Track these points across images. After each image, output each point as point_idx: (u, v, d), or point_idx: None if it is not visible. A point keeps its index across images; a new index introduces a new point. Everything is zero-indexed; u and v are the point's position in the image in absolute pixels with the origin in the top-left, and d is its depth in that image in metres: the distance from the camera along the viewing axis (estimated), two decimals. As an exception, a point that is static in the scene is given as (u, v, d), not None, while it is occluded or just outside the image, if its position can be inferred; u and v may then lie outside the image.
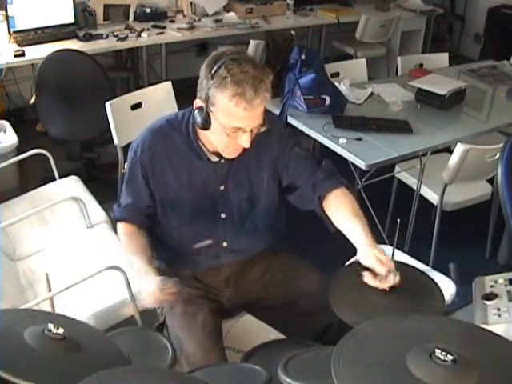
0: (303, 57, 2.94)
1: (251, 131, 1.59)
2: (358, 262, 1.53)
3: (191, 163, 1.72)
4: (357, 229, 1.60)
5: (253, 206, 1.80)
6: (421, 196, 2.94)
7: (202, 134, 1.69)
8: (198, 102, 1.62)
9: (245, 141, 1.60)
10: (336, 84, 3.08)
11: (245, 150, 1.65)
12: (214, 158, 1.72)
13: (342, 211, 1.67)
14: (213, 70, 1.53)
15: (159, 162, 1.72)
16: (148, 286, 1.57)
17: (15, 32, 3.67)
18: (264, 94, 1.54)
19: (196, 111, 1.62)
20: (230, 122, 1.56)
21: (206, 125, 1.60)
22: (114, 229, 1.94)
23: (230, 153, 1.67)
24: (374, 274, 1.48)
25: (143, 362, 1.42)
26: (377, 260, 1.48)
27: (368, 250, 1.52)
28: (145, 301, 1.60)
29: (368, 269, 1.49)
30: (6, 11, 3.62)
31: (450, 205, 2.88)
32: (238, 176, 1.75)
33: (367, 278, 1.47)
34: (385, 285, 1.46)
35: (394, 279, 1.46)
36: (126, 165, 1.83)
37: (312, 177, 1.74)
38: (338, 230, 1.66)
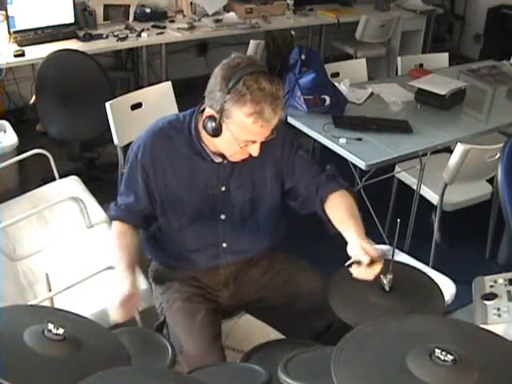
0: (303, 57, 2.94)
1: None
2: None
3: (193, 164, 1.72)
4: (351, 226, 1.63)
5: (255, 208, 1.80)
6: (421, 196, 2.93)
7: (205, 136, 1.68)
8: (209, 112, 1.60)
9: (254, 150, 1.63)
10: (336, 84, 3.08)
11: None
12: (218, 159, 1.72)
13: (340, 211, 1.70)
14: (229, 85, 1.52)
15: (160, 163, 1.72)
16: (116, 297, 1.56)
17: (15, 32, 3.67)
18: (280, 112, 1.57)
19: (207, 120, 1.61)
20: (244, 136, 1.58)
21: (217, 133, 1.60)
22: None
23: (237, 158, 1.69)
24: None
25: (143, 362, 1.42)
26: (361, 249, 1.51)
27: (355, 242, 1.56)
28: (112, 313, 1.58)
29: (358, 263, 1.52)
30: (6, 11, 3.62)
31: (450, 205, 2.88)
32: (242, 177, 1.75)
33: (353, 270, 1.51)
34: (369, 274, 1.48)
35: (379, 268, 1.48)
36: (125, 164, 1.83)
37: (315, 180, 1.76)
38: (338, 232, 1.68)
